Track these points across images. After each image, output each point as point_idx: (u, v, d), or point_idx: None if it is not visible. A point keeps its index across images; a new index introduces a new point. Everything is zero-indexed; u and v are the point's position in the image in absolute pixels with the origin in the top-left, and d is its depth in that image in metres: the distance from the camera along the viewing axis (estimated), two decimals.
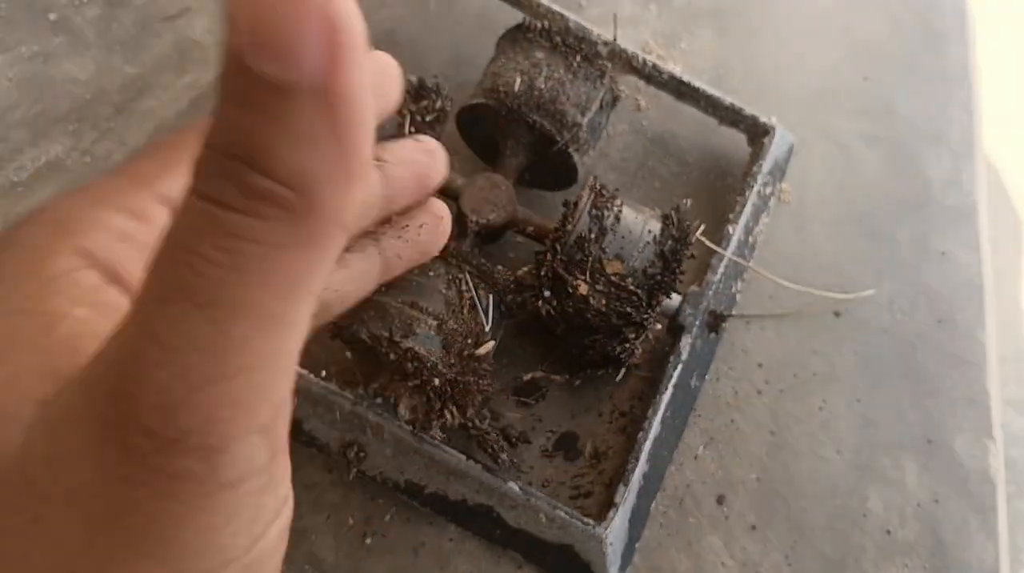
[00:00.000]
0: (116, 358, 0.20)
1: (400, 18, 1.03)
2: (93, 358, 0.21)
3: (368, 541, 0.74)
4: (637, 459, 0.70)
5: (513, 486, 0.68)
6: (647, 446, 0.71)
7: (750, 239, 0.86)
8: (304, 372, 0.68)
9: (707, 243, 0.78)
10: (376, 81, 0.25)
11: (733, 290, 0.84)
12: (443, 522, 0.74)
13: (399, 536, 0.75)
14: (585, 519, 0.68)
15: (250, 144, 0.18)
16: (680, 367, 0.75)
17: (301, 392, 0.68)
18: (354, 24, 0.20)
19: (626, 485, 0.69)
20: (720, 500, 0.80)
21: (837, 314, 0.90)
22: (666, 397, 0.73)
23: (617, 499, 0.69)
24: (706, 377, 0.82)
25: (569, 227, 0.69)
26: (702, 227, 0.75)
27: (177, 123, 0.94)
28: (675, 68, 0.89)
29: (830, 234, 0.95)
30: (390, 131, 0.72)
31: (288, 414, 0.24)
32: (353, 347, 0.71)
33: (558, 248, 0.68)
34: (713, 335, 0.81)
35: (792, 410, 0.84)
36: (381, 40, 1.00)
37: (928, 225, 0.98)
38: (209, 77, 1.01)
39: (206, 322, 0.18)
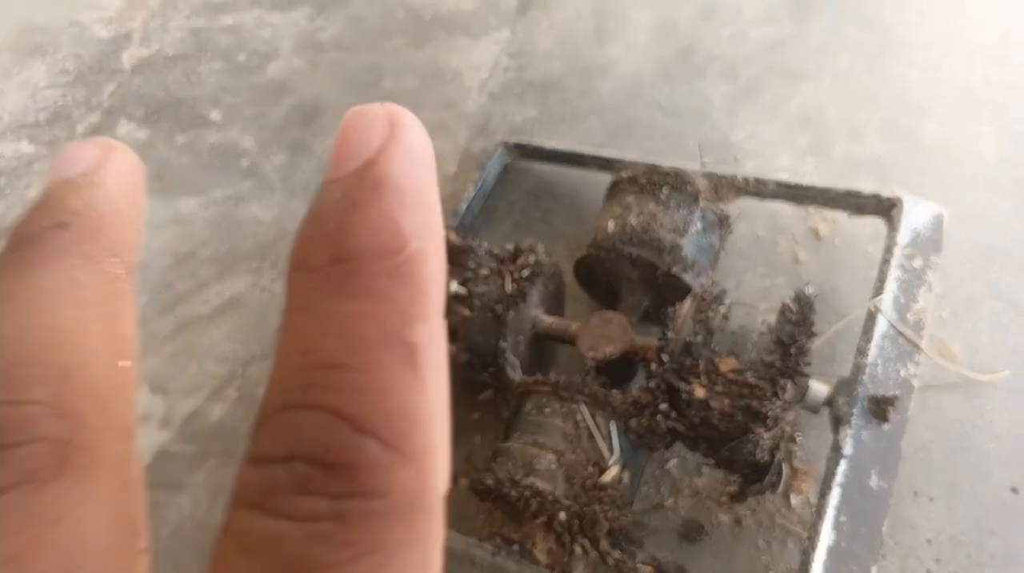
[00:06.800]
0: None
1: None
2: None
3: None
4: (807, 568, 0.61)
5: None
6: (821, 557, 0.62)
7: (909, 317, 0.77)
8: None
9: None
10: None
11: (903, 374, 0.75)
12: None
13: None
14: None
15: None
16: (844, 463, 0.66)
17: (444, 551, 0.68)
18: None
19: None
20: None
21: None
22: (833, 498, 0.64)
23: None
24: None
25: (671, 335, 0.67)
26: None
27: None
28: (780, 175, 0.87)
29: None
30: (496, 292, 0.76)
31: None
32: (491, 500, 0.70)
33: (664, 358, 0.66)
34: (887, 426, 0.72)
35: None
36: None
37: None
38: None
39: None
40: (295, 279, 0.19)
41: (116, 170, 0.23)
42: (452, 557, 0.68)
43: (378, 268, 0.18)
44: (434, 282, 0.19)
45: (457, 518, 0.79)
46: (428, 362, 0.18)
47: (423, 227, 0.19)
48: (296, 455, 0.17)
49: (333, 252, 0.18)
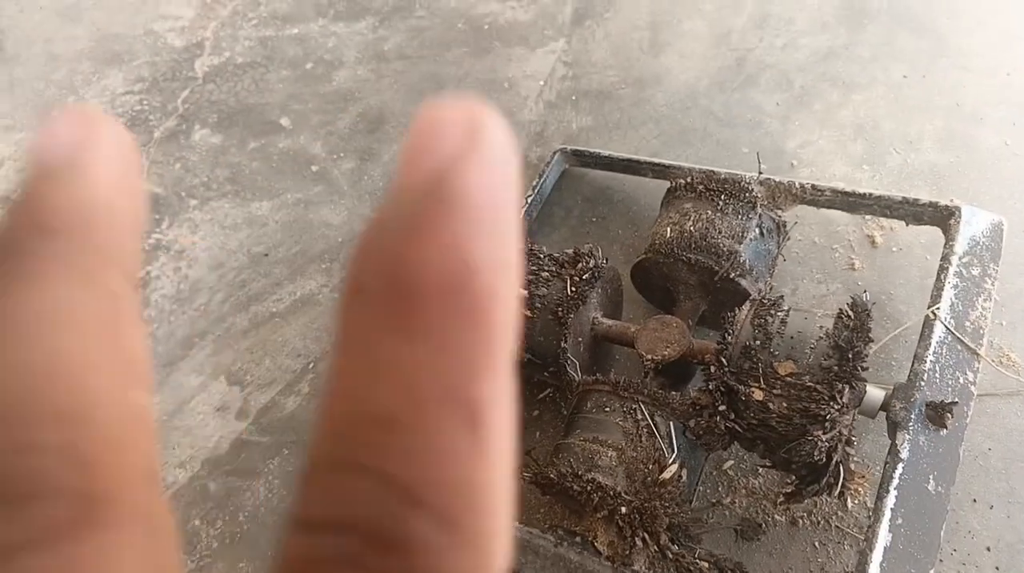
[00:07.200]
0: None
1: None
2: None
3: None
4: (864, 568, 0.63)
5: None
6: (878, 557, 0.64)
7: (967, 325, 0.79)
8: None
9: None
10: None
11: (961, 381, 0.77)
12: None
13: None
14: None
15: None
16: (902, 466, 0.68)
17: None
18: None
19: None
20: None
21: None
22: (890, 500, 0.66)
23: None
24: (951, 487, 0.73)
25: (731, 339, 0.69)
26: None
27: None
28: (836, 184, 0.89)
29: None
30: (556, 295, 0.79)
31: None
32: (555, 495, 0.74)
33: (724, 361, 0.68)
34: (944, 431, 0.73)
35: None
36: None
37: None
38: None
39: None
40: (349, 307, 0.16)
41: (105, 152, 0.17)
42: (515, 546, 0.72)
43: (441, 306, 0.15)
44: (503, 326, 0.16)
45: (518, 509, 0.83)
46: (492, 424, 0.15)
47: (497, 257, 0.16)
48: (347, 525, 0.15)
49: (391, 281, 0.16)
